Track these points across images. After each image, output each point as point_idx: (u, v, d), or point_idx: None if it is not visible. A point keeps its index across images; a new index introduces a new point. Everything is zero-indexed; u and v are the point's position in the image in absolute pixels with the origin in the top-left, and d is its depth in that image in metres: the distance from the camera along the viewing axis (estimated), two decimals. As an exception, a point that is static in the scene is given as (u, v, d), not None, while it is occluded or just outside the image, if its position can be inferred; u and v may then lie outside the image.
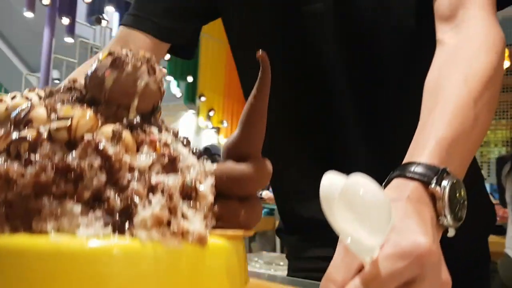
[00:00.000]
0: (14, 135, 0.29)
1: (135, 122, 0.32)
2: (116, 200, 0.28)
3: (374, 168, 0.56)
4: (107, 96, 0.32)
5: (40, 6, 4.65)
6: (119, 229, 0.27)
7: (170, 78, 5.68)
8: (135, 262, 0.27)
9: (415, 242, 0.34)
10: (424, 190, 0.40)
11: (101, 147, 0.28)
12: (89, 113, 0.30)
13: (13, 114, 0.31)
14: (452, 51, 0.53)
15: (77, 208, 0.27)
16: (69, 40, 5.06)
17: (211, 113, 6.15)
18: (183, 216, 0.30)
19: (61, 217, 0.26)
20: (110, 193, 0.28)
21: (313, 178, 0.69)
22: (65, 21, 4.87)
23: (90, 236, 0.26)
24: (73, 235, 0.26)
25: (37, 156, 0.28)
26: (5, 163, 0.27)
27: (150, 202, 0.29)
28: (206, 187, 0.32)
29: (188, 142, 0.35)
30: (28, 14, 4.71)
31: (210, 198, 0.32)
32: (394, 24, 0.65)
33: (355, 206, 0.31)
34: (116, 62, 0.32)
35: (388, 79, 0.67)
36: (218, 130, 6.49)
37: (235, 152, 0.35)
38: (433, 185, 0.40)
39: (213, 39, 5.53)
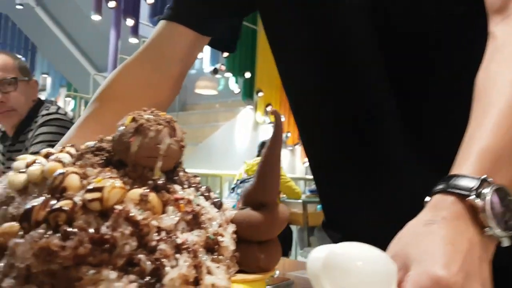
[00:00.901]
0: (51, 204, 0.33)
1: (160, 183, 0.35)
2: (146, 263, 0.31)
3: (420, 177, 0.57)
4: (133, 159, 0.35)
5: (106, 9, 4.80)
6: (151, 290, 0.30)
7: (228, 74, 5.77)
8: (167, 319, 0.30)
9: (433, 278, 0.33)
10: (463, 204, 0.39)
11: (131, 215, 0.31)
12: (118, 183, 0.33)
13: (49, 182, 0.34)
14: (502, 45, 0.49)
15: (113, 274, 0.30)
16: (133, 40, 5.22)
17: (268, 108, 6.23)
18: (208, 271, 0.33)
19: (100, 283, 0.30)
20: (141, 256, 0.31)
21: (356, 189, 0.71)
22: (130, 22, 5.03)
23: (126, 299, 0.29)
24: (111, 299, 0.29)
25: (74, 227, 0.31)
26: (46, 235, 0.30)
27: (177, 261, 0.32)
28: (227, 239, 0.35)
29: (209, 195, 0.38)
30: (96, 17, 4.88)
31: (232, 248, 0.35)
32: (442, 8, 0.61)
33: (341, 281, 0.30)
34: (140, 129, 0.35)
35: (434, 78, 0.64)
36: None
37: (252, 200, 0.38)
38: (471, 197, 0.38)
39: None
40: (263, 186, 0.37)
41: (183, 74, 0.80)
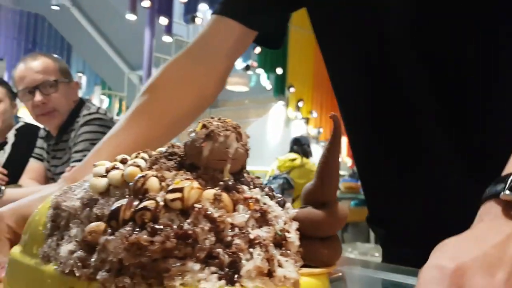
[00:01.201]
0: (135, 204, 0.36)
1: (230, 183, 0.38)
2: (224, 256, 0.34)
3: (463, 177, 0.59)
4: (205, 163, 0.39)
5: (140, 8, 4.94)
6: (230, 280, 0.33)
7: (260, 70, 5.82)
8: (245, 307, 0.33)
9: (436, 266, 0.33)
10: (499, 203, 0.39)
11: (209, 212, 0.35)
12: (196, 184, 0.36)
13: (131, 184, 0.38)
14: None
15: (196, 266, 0.33)
16: (167, 39, 5.35)
17: (300, 104, 6.28)
18: (279, 264, 0.36)
19: (185, 274, 0.33)
20: (219, 250, 0.34)
21: (399, 185, 0.74)
22: (163, 21, 5.16)
23: (210, 289, 0.33)
24: (196, 288, 0.33)
25: (160, 224, 0.34)
26: (134, 232, 0.34)
27: (251, 254, 0.35)
28: (293, 235, 0.38)
29: (273, 194, 0.41)
30: (130, 17, 5.02)
31: (297, 243, 0.38)
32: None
33: None
34: (211, 135, 0.38)
35: (475, 73, 0.65)
36: (307, 120, 6.61)
37: (313, 199, 0.41)
38: (507, 192, 0.39)
39: (301, 30, 5.62)
40: (323, 185, 0.40)
41: (228, 70, 0.84)
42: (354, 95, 0.79)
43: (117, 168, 0.41)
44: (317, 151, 6.69)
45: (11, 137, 2.20)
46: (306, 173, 4.31)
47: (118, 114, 6.84)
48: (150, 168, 0.41)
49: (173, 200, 0.35)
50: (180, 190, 0.35)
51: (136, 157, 0.43)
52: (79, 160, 1.66)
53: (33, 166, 1.92)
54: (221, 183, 0.38)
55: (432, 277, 0.32)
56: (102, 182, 0.41)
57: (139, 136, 0.75)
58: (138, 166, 0.40)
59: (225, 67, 0.83)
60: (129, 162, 0.42)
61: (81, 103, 1.87)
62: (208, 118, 0.40)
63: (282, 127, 6.43)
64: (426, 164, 0.72)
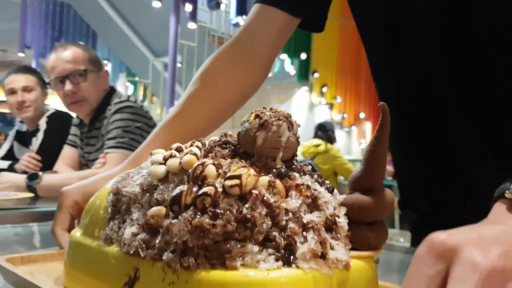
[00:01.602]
0: (195, 190, 0.39)
1: (283, 171, 0.40)
2: (280, 239, 0.37)
3: (491, 171, 0.60)
4: (258, 151, 0.41)
5: None
6: (286, 262, 0.36)
7: (284, 56, 5.81)
8: (301, 286, 0.35)
9: (429, 239, 0.32)
10: (505, 203, 0.40)
11: (265, 198, 0.37)
12: (252, 171, 0.38)
13: (190, 171, 0.41)
14: None
15: (255, 248, 0.36)
16: (192, 25, 5.40)
17: (324, 89, 6.25)
18: (331, 247, 0.38)
19: (245, 255, 0.35)
20: (275, 233, 0.37)
21: (430, 170, 0.75)
22: (188, 8, 5.19)
23: (268, 269, 0.35)
24: (256, 269, 0.35)
25: (220, 209, 0.37)
26: (197, 216, 0.37)
27: (305, 238, 0.37)
28: (342, 219, 0.40)
29: (322, 181, 0.43)
30: (156, 4, 5.07)
31: (346, 227, 0.40)
32: None
33: None
34: (264, 125, 0.40)
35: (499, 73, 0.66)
36: (331, 106, 6.60)
37: (361, 185, 0.42)
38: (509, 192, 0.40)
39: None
40: (371, 172, 0.42)
41: (273, 57, 0.86)
42: (387, 75, 0.81)
43: (174, 156, 0.44)
44: (341, 136, 6.66)
45: (43, 124, 2.26)
46: (330, 159, 4.31)
47: (142, 101, 6.93)
48: (205, 156, 0.43)
49: (232, 186, 0.37)
50: (238, 177, 0.38)
51: (191, 145, 0.46)
52: (112, 147, 1.71)
53: (68, 153, 1.98)
54: (274, 170, 0.41)
55: (420, 252, 0.31)
56: (161, 169, 0.43)
57: (194, 121, 0.80)
58: (195, 154, 0.43)
59: (270, 55, 0.85)
60: (186, 151, 0.44)
61: (111, 91, 1.92)
62: (260, 108, 0.42)
63: (305, 113, 6.42)
64: (452, 149, 0.73)
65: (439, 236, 0.31)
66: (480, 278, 0.27)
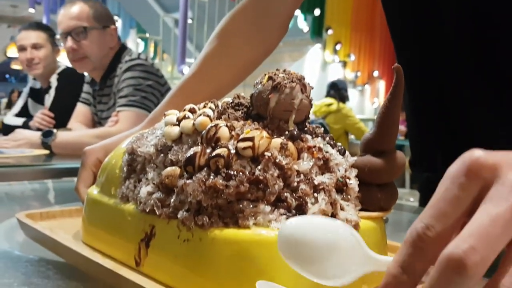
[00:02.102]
0: (208, 152, 0.39)
1: (295, 133, 0.41)
2: (291, 200, 0.37)
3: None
4: (271, 113, 0.41)
5: None
6: (297, 222, 0.37)
7: (297, 12, 5.70)
8: (311, 245, 0.36)
9: (465, 156, 0.27)
10: None
11: (277, 160, 0.38)
12: (265, 133, 0.39)
13: (203, 133, 0.41)
14: None
15: (267, 208, 0.37)
16: None
17: (337, 47, 6.13)
18: (341, 208, 0.39)
19: (257, 215, 0.37)
20: (287, 194, 0.38)
21: (440, 131, 0.76)
22: None
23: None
24: (268, 228, 0.36)
25: (233, 170, 0.37)
26: (210, 177, 0.37)
27: (316, 199, 0.38)
28: (353, 181, 0.41)
29: (334, 143, 0.43)
30: None
31: (357, 189, 0.41)
32: None
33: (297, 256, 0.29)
34: (277, 87, 0.41)
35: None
36: (344, 64, 6.49)
37: (372, 147, 0.43)
38: None
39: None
40: (383, 135, 0.42)
41: (291, 15, 0.85)
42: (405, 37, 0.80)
43: (188, 118, 0.45)
44: (354, 95, 6.59)
45: (54, 81, 2.27)
46: (342, 118, 4.29)
47: (153, 58, 6.88)
48: (218, 117, 0.44)
49: (244, 148, 0.38)
50: (251, 139, 0.38)
51: (204, 107, 0.46)
52: (124, 105, 1.72)
53: (81, 110, 1.99)
54: (287, 132, 0.41)
55: (452, 169, 0.27)
56: (175, 130, 0.44)
57: (212, 80, 0.80)
58: (208, 116, 0.43)
59: (289, 13, 0.84)
60: (199, 112, 0.45)
61: (122, 48, 1.90)
62: (273, 70, 0.42)
63: (318, 71, 6.34)
64: (464, 106, 0.73)
65: (476, 153, 0.26)
66: None
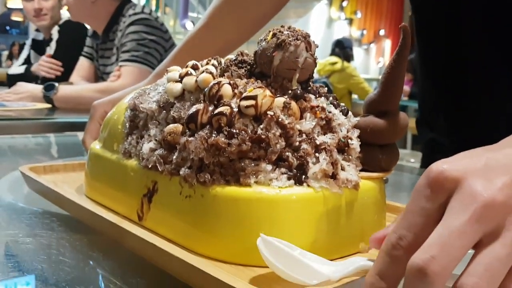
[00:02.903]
0: (211, 109, 0.39)
1: (298, 93, 0.40)
2: (293, 159, 0.38)
3: None
4: (274, 72, 0.41)
5: None
6: (298, 181, 0.37)
7: None
8: (311, 203, 0.37)
9: (430, 169, 0.28)
10: None
11: (280, 119, 0.38)
12: (268, 92, 0.38)
13: (206, 90, 0.41)
14: None
15: (269, 167, 0.37)
16: None
17: (344, 3, 5.98)
18: (342, 168, 0.39)
19: (259, 174, 0.37)
20: (288, 154, 0.38)
21: (451, 90, 0.76)
22: None
23: (281, 187, 0.36)
24: (269, 186, 0.36)
25: (235, 129, 0.37)
26: (213, 135, 0.38)
27: (317, 159, 0.38)
28: (355, 141, 0.41)
29: (337, 103, 0.43)
30: None
31: (358, 149, 0.41)
32: None
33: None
34: (282, 45, 0.40)
35: None
36: (350, 21, 6.35)
37: (375, 107, 0.43)
38: None
39: None
40: (387, 95, 0.42)
41: None
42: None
43: (190, 74, 0.44)
44: (359, 54, 6.50)
45: (55, 33, 2.23)
46: (346, 78, 4.24)
47: (156, 11, 6.74)
48: (221, 75, 0.43)
49: (247, 107, 0.38)
50: (253, 97, 0.38)
51: (207, 64, 0.46)
52: (127, 60, 1.70)
53: (83, 64, 1.97)
54: (290, 91, 0.41)
55: (420, 184, 0.28)
56: (177, 87, 0.44)
57: (219, 35, 0.78)
58: (211, 73, 0.43)
59: None
60: (202, 69, 0.44)
61: (124, 1, 1.86)
62: (278, 27, 0.42)
63: (323, 29, 6.21)
64: (473, 69, 0.73)
65: (440, 166, 0.28)
66: (476, 209, 0.25)
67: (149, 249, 0.37)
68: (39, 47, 2.37)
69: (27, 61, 2.39)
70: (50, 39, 2.24)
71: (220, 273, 0.31)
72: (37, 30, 2.38)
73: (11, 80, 2.01)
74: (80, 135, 1.38)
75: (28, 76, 2.04)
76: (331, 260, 0.35)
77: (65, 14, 2.33)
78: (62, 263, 0.43)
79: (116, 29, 1.82)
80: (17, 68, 2.31)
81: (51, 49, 2.22)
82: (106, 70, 1.91)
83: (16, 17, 9.12)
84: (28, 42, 2.46)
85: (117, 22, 1.82)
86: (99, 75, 1.98)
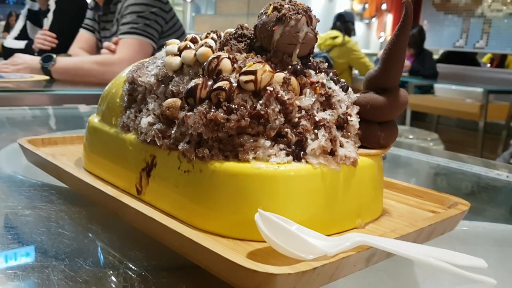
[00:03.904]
0: (210, 84, 0.39)
1: (298, 68, 0.40)
2: (292, 135, 0.37)
3: None
4: (275, 46, 0.40)
5: None
6: (296, 157, 0.37)
7: None
8: (309, 179, 0.37)
9: None
10: None
11: (279, 95, 0.37)
12: (267, 67, 0.38)
13: (205, 64, 0.40)
14: None
15: (267, 143, 0.37)
16: None
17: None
18: (341, 144, 0.39)
19: (257, 149, 0.37)
20: (287, 130, 0.38)
21: None
22: None
23: (279, 163, 0.36)
24: (267, 162, 0.37)
25: (234, 104, 0.37)
26: (211, 110, 0.37)
27: (316, 135, 0.38)
28: (354, 118, 0.41)
29: (337, 79, 0.43)
30: None
31: (357, 126, 0.41)
32: None
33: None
34: (282, 19, 0.39)
35: None
36: None
37: (376, 84, 0.42)
38: None
39: None
40: (387, 72, 0.41)
41: None
42: None
43: (189, 48, 0.44)
44: (360, 28, 6.41)
45: (52, 4, 2.20)
46: (347, 53, 4.20)
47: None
48: (221, 49, 0.43)
49: (246, 82, 0.37)
50: (253, 72, 0.37)
51: (206, 37, 0.45)
52: (126, 33, 1.68)
53: (83, 36, 1.95)
54: (290, 67, 0.40)
55: None
56: (176, 60, 0.43)
57: None
58: (210, 46, 0.42)
59: None
60: (201, 42, 0.44)
61: None
62: (279, 0, 0.41)
63: (325, 1, 6.13)
64: None
65: None
66: None
67: (147, 222, 0.37)
68: (35, 17, 2.33)
69: (23, 32, 2.36)
70: (47, 10, 2.21)
71: (217, 247, 0.31)
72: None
73: (8, 54, 1.98)
74: (79, 107, 1.38)
75: (29, 53, 2.02)
76: (328, 235, 0.36)
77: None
78: (61, 235, 0.43)
79: (117, 1, 1.80)
80: (14, 41, 2.28)
81: (48, 20, 2.19)
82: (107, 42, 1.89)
83: (12, -14, 8.94)
84: (24, 12, 2.42)
85: None
86: (100, 47, 1.96)
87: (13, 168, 0.67)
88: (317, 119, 0.38)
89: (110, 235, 0.44)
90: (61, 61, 1.64)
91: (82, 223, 0.47)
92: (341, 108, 0.41)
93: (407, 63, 3.41)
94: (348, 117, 0.40)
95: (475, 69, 4.87)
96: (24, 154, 0.59)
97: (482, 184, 0.82)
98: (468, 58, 5.05)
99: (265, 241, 0.32)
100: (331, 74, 0.43)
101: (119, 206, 0.41)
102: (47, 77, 1.62)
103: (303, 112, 0.39)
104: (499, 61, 5.44)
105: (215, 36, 0.45)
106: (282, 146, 0.37)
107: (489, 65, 5.52)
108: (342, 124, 0.40)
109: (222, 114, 0.37)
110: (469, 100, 3.68)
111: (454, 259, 0.33)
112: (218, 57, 0.40)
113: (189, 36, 0.46)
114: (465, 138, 4.00)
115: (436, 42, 5.50)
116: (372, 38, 6.99)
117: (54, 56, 1.65)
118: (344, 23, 4.21)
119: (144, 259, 0.40)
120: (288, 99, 0.38)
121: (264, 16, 0.41)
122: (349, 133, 0.40)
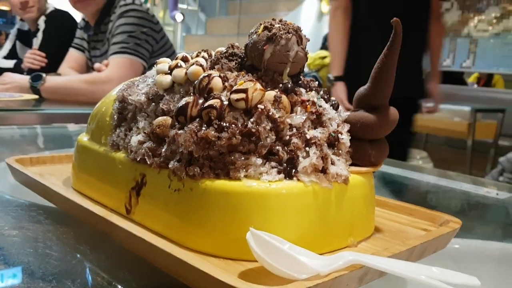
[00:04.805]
0: (201, 102, 0.39)
1: (289, 86, 0.40)
2: (283, 153, 0.37)
3: None
4: (265, 65, 0.40)
5: None
6: (288, 175, 0.37)
7: None
8: (301, 197, 0.37)
9: None
10: None
11: (270, 113, 0.37)
12: (258, 86, 0.38)
13: (196, 82, 0.40)
14: None
15: (259, 161, 0.37)
16: None
17: (335, -4, 6.02)
18: (332, 162, 0.39)
19: (249, 168, 0.37)
20: (279, 147, 0.37)
21: None
22: None
23: (270, 180, 0.36)
24: (259, 180, 0.36)
25: (225, 122, 0.37)
26: (202, 128, 0.37)
27: (307, 153, 0.38)
28: (345, 136, 0.41)
29: (329, 97, 0.43)
30: None
31: (348, 144, 0.41)
32: None
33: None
34: (273, 38, 0.40)
35: None
36: None
37: (366, 102, 0.43)
38: None
39: None
40: (377, 90, 0.42)
41: None
42: None
43: (180, 67, 0.44)
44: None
45: (41, 24, 2.20)
46: (336, 72, 4.24)
47: (145, 3, 6.68)
48: (211, 67, 0.43)
49: (237, 100, 0.37)
50: (244, 91, 0.38)
51: (197, 56, 0.45)
52: (117, 53, 1.68)
53: (73, 56, 1.95)
54: (281, 85, 0.40)
55: None
56: (167, 79, 0.43)
57: None
58: (201, 65, 0.42)
59: None
60: (192, 61, 0.44)
61: None
62: (270, 20, 0.41)
63: (313, 22, 6.21)
64: None
65: None
66: None
67: (137, 242, 0.37)
68: (25, 37, 2.33)
69: (12, 52, 2.35)
70: (37, 30, 2.21)
71: (208, 267, 0.31)
72: (22, 19, 2.34)
73: None
74: (68, 126, 1.37)
75: (18, 72, 2.01)
76: (320, 254, 0.35)
77: (51, 3, 2.30)
78: (49, 256, 0.43)
79: (108, 21, 1.81)
80: (3, 61, 2.27)
81: (38, 40, 2.19)
82: (97, 62, 1.89)
83: (3, 6, 8.96)
84: (13, 32, 2.42)
85: (108, 13, 1.81)
86: (90, 67, 1.96)
87: (0, 188, 0.66)
88: (308, 137, 0.38)
89: (98, 256, 0.44)
90: (50, 80, 1.64)
91: (70, 244, 0.46)
92: (332, 126, 0.41)
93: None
94: (339, 135, 0.40)
95: (462, 88, 4.94)
96: (12, 174, 0.59)
97: (472, 201, 0.83)
98: (456, 78, 5.13)
99: (257, 261, 0.32)
100: (321, 92, 0.43)
101: (108, 226, 0.40)
102: (36, 96, 1.61)
103: (294, 130, 0.39)
104: (485, 80, 5.53)
105: (206, 55, 0.45)
106: (273, 164, 0.37)
107: (476, 84, 5.60)
108: (333, 142, 0.40)
109: (213, 132, 0.37)
110: (457, 119, 3.72)
111: (447, 277, 0.33)
112: (209, 75, 0.40)
113: (180, 55, 0.46)
114: (453, 156, 4.03)
115: (424, 62, 5.59)
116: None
117: (44, 75, 1.65)
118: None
119: (133, 280, 0.39)
120: (279, 117, 0.38)
121: (254, 35, 0.41)
122: (340, 151, 0.40)
